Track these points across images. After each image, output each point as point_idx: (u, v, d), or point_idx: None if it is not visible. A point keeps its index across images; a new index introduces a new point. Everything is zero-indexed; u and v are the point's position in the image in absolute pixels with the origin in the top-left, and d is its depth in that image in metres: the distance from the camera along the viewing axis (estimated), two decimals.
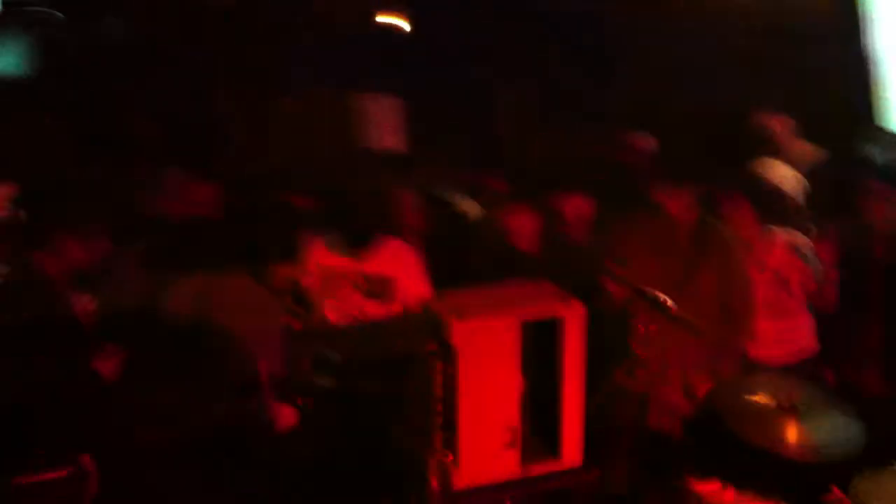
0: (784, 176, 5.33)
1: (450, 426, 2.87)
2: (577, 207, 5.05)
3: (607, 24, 6.95)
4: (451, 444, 2.89)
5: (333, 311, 4.58)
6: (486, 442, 2.91)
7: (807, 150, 5.78)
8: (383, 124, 6.85)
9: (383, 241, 4.70)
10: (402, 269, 4.68)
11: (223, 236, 3.60)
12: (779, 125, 5.83)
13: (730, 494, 3.82)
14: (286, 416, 3.54)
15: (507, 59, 6.96)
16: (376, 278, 4.63)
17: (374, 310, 4.56)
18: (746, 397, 4.02)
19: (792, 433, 3.83)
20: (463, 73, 6.92)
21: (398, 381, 3.78)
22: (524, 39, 6.97)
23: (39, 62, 6.15)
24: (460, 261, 4.91)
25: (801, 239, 4.79)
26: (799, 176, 5.38)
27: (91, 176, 4.82)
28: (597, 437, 4.41)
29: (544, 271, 4.15)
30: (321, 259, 4.63)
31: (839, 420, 3.94)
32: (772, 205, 4.94)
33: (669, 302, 3.72)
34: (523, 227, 4.93)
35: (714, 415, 4.09)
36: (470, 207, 5.76)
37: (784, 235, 4.78)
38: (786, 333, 4.69)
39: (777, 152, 5.78)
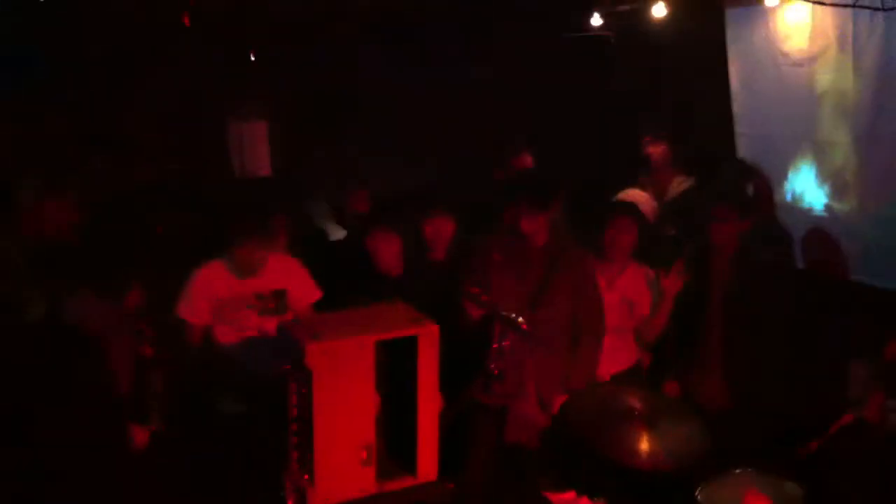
0: (645, 203, 5.60)
1: (307, 447, 2.92)
2: (438, 228, 5.16)
3: None
4: (306, 463, 2.93)
5: (229, 334, 4.59)
6: (341, 460, 2.97)
7: (679, 178, 6.07)
8: (251, 149, 6.86)
9: (266, 257, 4.73)
10: (291, 279, 4.76)
11: (77, 259, 3.55)
12: (658, 152, 6.11)
13: (584, 503, 3.96)
14: (139, 437, 3.52)
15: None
16: (269, 294, 4.68)
17: (271, 325, 4.59)
18: (597, 409, 4.20)
19: (641, 442, 4.02)
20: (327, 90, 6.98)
21: (258, 402, 3.83)
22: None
23: None
24: (324, 282, 4.94)
25: (650, 271, 5.05)
26: (654, 204, 5.66)
27: None
28: (454, 451, 4.57)
29: (406, 292, 4.30)
30: (213, 291, 4.63)
31: (684, 429, 4.15)
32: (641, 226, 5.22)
33: (521, 320, 3.87)
34: (385, 248, 5.00)
35: (567, 426, 4.26)
36: (333, 229, 5.81)
37: (636, 264, 5.02)
38: (620, 348, 4.92)
39: (654, 177, 6.11)
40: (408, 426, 3.09)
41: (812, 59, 5.36)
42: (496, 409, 4.63)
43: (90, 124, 5.97)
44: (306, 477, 2.93)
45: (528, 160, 6.14)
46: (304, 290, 4.79)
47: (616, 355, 4.89)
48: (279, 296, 4.70)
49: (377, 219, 5.10)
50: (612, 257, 4.89)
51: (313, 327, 2.97)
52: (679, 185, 6.04)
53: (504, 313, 3.89)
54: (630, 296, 4.92)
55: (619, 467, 3.97)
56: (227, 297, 4.63)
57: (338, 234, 5.81)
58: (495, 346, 3.86)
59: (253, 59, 6.85)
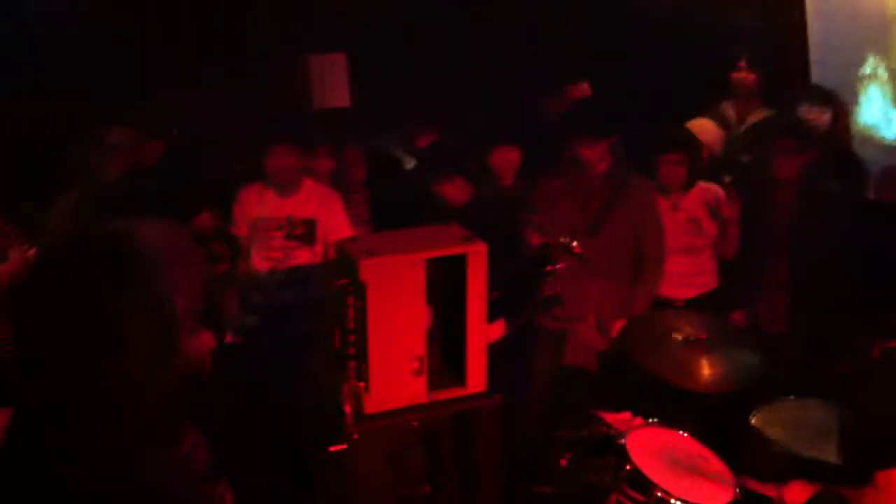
0: (709, 132, 5.62)
1: (362, 357, 3.14)
2: (504, 156, 5.29)
3: None
4: (362, 372, 3.15)
5: (260, 258, 4.85)
6: (394, 370, 3.15)
7: (762, 110, 6.06)
8: (328, 82, 7.03)
9: (307, 186, 4.94)
10: (324, 211, 4.93)
11: (155, 186, 3.79)
12: (748, 80, 6.09)
13: (638, 423, 4.10)
14: (205, 340, 3.77)
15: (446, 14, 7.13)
16: (299, 220, 4.88)
17: (297, 251, 4.81)
18: (656, 333, 4.33)
19: (698, 367, 4.14)
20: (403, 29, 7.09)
21: (318, 319, 4.07)
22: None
23: None
24: (397, 211, 5.12)
25: (715, 190, 5.11)
26: (721, 133, 5.67)
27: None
28: (517, 371, 4.76)
29: (472, 219, 4.46)
30: (250, 210, 4.88)
31: (742, 354, 4.26)
32: (696, 157, 5.28)
33: (575, 244, 4.02)
34: (450, 189, 5.13)
35: (626, 350, 4.41)
36: (407, 160, 5.99)
37: (700, 184, 5.09)
38: (693, 272, 5.01)
39: (737, 104, 6.10)
40: (458, 340, 3.25)
41: None
42: (557, 331, 4.82)
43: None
44: (362, 384, 3.16)
45: (585, 89, 6.18)
46: (335, 223, 4.92)
47: (692, 279, 5.00)
48: (309, 224, 4.88)
49: (438, 158, 5.20)
50: (668, 187, 4.97)
51: (368, 244, 3.16)
52: (759, 115, 6.03)
53: (559, 239, 4.05)
54: (697, 214, 5.00)
55: (675, 390, 4.12)
56: (263, 216, 4.86)
57: (411, 163, 5.98)
58: (549, 268, 4.03)
59: None
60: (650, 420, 4.05)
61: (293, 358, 4.41)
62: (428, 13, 7.14)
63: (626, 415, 4.14)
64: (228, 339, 3.90)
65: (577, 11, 7.25)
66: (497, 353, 4.54)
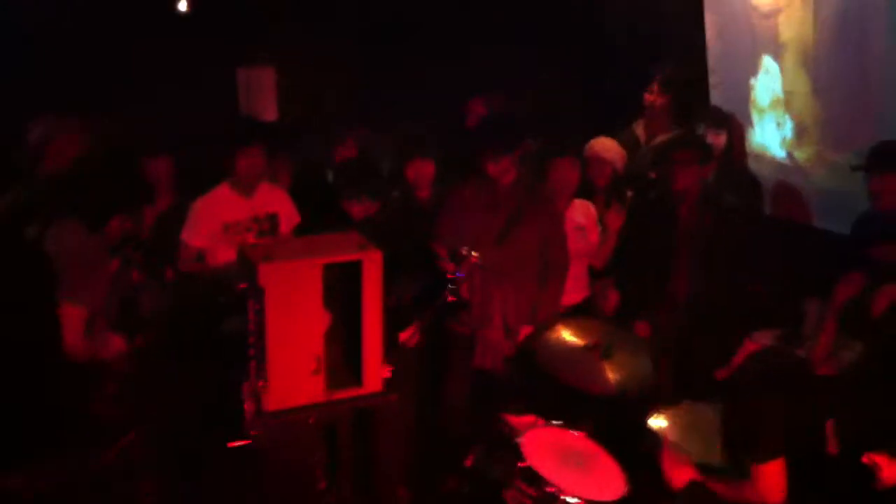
0: (611, 150, 5.87)
1: (261, 356, 3.30)
2: (419, 170, 5.46)
3: None
4: (262, 372, 3.32)
5: (223, 255, 5.00)
6: (293, 370, 3.32)
7: (670, 129, 6.27)
8: (257, 94, 7.21)
9: (263, 184, 5.20)
10: (281, 204, 5.23)
11: (71, 190, 3.91)
12: (658, 100, 6.33)
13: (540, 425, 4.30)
14: (113, 345, 3.90)
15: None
16: (264, 216, 5.14)
17: None
18: (559, 339, 4.52)
19: (598, 371, 4.33)
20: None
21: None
22: None
23: None
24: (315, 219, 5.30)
25: (595, 205, 5.45)
26: (623, 151, 5.93)
27: None
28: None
29: (380, 229, 4.65)
30: (218, 216, 5.08)
31: (639, 361, 4.46)
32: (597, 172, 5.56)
33: (474, 255, 4.24)
34: (357, 209, 5.26)
35: (531, 355, 4.60)
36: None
37: (580, 201, 5.39)
38: (577, 278, 5.26)
39: (647, 124, 6.37)
40: (355, 342, 3.44)
41: (778, 11, 5.56)
42: (468, 335, 5.02)
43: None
44: (262, 384, 3.32)
45: (499, 102, 6.40)
46: (289, 214, 5.25)
47: (573, 284, 5.25)
48: (272, 219, 5.15)
49: (347, 178, 5.41)
50: (558, 196, 5.22)
51: (268, 250, 3.33)
52: (666, 135, 6.24)
53: (460, 249, 4.28)
54: (581, 222, 5.33)
55: (577, 394, 4.31)
56: (233, 220, 5.07)
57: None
58: (450, 276, 4.25)
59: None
60: (552, 422, 4.25)
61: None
62: (354, 27, 7.32)
63: (531, 418, 4.33)
64: (139, 341, 4.02)
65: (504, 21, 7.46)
66: (416, 356, 4.85)
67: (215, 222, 5.06)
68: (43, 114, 4.58)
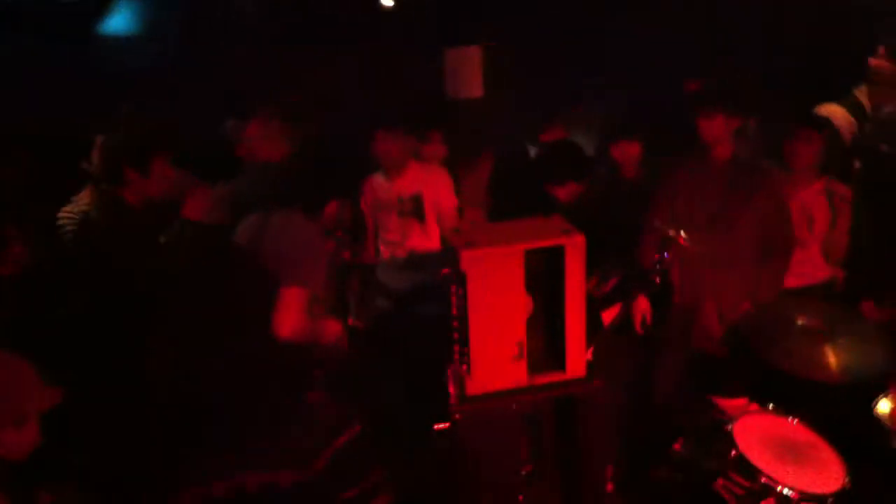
0: (840, 118, 5.52)
1: (464, 342, 3.33)
2: (624, 150, 5.36)
3: None
4: (465, 356, 3.35)
5: (382, 244, 5.16)
6: (495, 355, 3.33)
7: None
8: (463, 73, 7.27)
9: (411, 166, 5.27)
10: (428, 184, 5.26)
11: (293, 176, 4.07)
12: (886, 66, 5.90)
13: (753, 409, 4.14)
14: (332, 329, 4.02)
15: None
16: (407, 197, 5.22)
17: (410, 231, 5.15)
18: (778, 321, 4.32)
19: (816, 355, 4.11)
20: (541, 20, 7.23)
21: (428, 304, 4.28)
22: None
23: None
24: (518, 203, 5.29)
25: (836, 187, 5.02)
26: (852, 120, 5.55)
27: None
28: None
29: (587, 213, 4.58)
30: (370, 195, 5.25)
31: (863, 345, 4.20)
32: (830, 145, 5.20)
33: (683, 236, 4.10)
34: (562, 192, 5.20)
35: (747, 338, 4.43)
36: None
37: (824, 181, 5.02)
38: (799, 263, 4.95)
39: (875, 90, 5.89)
40: (559, 328, 3.41)
41: None
42: (682, 318, 4.88)
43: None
44: (465, 368, 3.36)
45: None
46: (439, 195, 5.25)
47: (799, 268, 4.94)
48: (415, 200, 5.21)
49: (554, 161, 5.34)
50: (794, 170, 4.92)
51: (470, 236, 3.35)
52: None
53: (668, 231, 4.15)
54: (810, 210, 4.95)
55: (793, 378, 4.12)
56: (381, 199, 5.23)
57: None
58: (656, 256, 4.14)
59: None
60: (765, 407, 4.08)
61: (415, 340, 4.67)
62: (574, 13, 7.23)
63: (742, 401, 4.19)
64: (350, 322, 4.15)
65: None
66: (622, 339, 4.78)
67: (370, 200, 5.29)
68: (252, 106, 4.80)
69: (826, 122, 5.15)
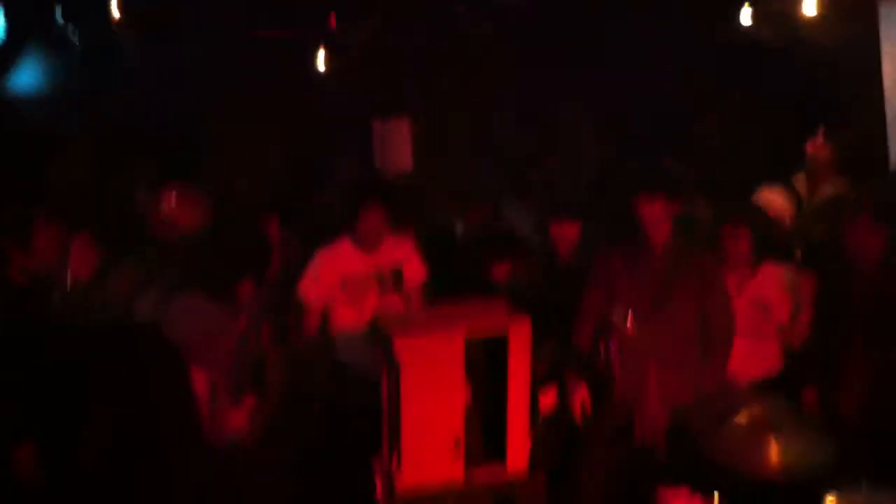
0: (779, 204, 5.44)
1: (395, 434, 3.04)
2: (563, 231, 5.20)
3: None
4: (396, 450, 3.05)
5: (348, 316, 4.85)
6: (429, 449, 3.06)
7: (836, 182, 5.85)
8: (392, 146, 7.10)
9: (385, 233, 4.98)
10: (405, 258, 5.01)
11: (201, 255, 3.82)
12: (822, 152, 5.91)
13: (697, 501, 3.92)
14: (235, 420, 3.74)
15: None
16: (388, 273, 4.94)
17: (391, 303, 4.85)
18: (721, 416, 4.14)
19: (760, 450, 3.93)
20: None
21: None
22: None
23: None
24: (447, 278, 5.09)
25: (789, 272, 4.90)
26: (790, 206, 5.49)
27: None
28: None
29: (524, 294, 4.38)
30: (337, 269, 4.91)
31: (809, 440, 4.03)
32: (768, 233, 5.10)
33: (629, 324, 3.89)
34: (498, 270, 5.00)
35: (688, 430, 4.23)
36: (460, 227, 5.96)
37: (773, 264, 4.89)
38: (756, 354, 4.79)
39: (810, 176, 5.90)
40: (499, 417, 3.15)
41: None
42: (622, 410, 4.67)
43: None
44: (395, 462, 3.06)
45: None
46: (415, 269, 5.02)
47: (754, 361, 4.78)
48: (397, 275, 4.94)
49: (490, 241, 5.17)
50: (732, 262, 4.80)
51: (405, 322, 3.09)
52: (832, 187, 5.81)
53: (613, 317, 3.95)
54: (764, 299, 4.80)
55: (739, 475, 3.93)
56: (353, 275, 4.89)
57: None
58: (601, 346, 3.92)
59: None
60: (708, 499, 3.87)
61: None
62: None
63: (684, 492, 3.97)
64: (264, 412, 3.85)
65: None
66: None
67: (334, 276, 4.90)
68: (163, 181, 4.54)
69: (750, 215, 5.04)
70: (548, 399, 4.38)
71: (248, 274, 3.85)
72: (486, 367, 3.14)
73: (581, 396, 4.55)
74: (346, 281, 4.90)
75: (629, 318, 3.94)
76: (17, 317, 3.63)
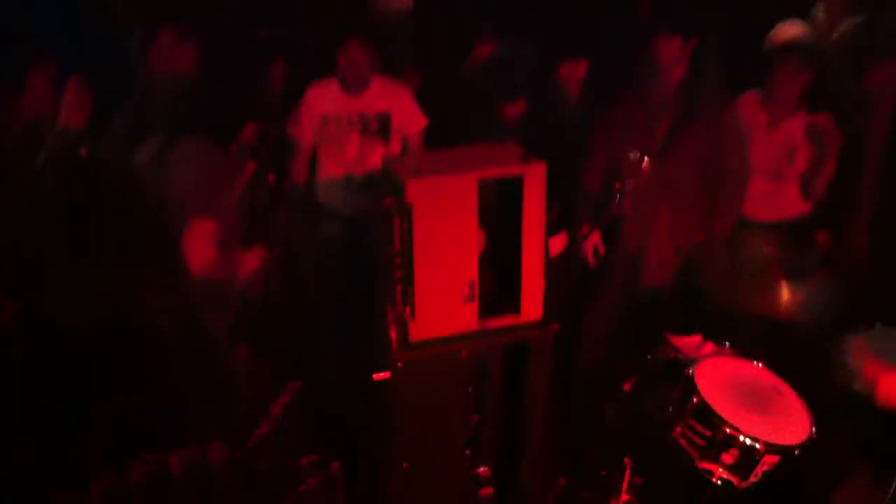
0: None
1: (408, 281, 2.96)
2: (572, 71, 5.00)
3: None
4: (408, 297, 2.97)
5: (333, 163, 4.70)
6: (443, 296, 2.98)
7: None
8: None
9: (376, 81, 4.77)
10: (396, 103, 4.79)
11: (200, 96, 3.65)
12: None
13: (708, 347, 3.89)
14: (249, 261, 3.66)
15: None
16: (372, 115, 4.74)
17: (372, 151, 4.69)
18: (732, 255, 4.08)
19: (772, 292, 3.89)
20: None
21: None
22: None
23: None
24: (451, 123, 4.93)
25: (824, 123, 4.71)
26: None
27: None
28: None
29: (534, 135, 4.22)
30: (318, 107, 4.73)
31: (821, 282, 3.99)
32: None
33: (646, 162, 3.77)
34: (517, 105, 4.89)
35: (698, 271, 4.17)
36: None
37: (807, 115, 4.71)
38: (776, 196, 4.68)
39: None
40: (513, 265, 3.06)
41: None
42: (632, 253, 4.60)
43: None
44: (408, 310, 2.98)
45: None
46: (408, 115, 4.81)
47: (774, 202, 4.66)
48: (383, 119, 4.74)
49: (499, 76, 4.95)
50: (779, 101, 4.60)
51: (417, 164, 2.95)
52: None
53: (629, 155, 3.82)
54: (793, 143, 4.63)
55: (748, 315, 3.89)
56: (333, 113, 4.71)
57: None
58: (618, 186, 3.81)
59: None
60: (722, 346, 3.82)
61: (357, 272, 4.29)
62: None
63: (697, 338, 3.93)
64: (276, 251, 3.77)
65: None
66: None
67: (315, 114, 4.74)
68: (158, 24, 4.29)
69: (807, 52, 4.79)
70: (556, 243, 4.32)
71: (250, 118, 3.69)
72: (500, 211, 3.02)
73: (594, 240, 4.48)
74: (325, 119, 4.74)
75: (645, 157, 3.78)
76: (10, 167, 3.48)
